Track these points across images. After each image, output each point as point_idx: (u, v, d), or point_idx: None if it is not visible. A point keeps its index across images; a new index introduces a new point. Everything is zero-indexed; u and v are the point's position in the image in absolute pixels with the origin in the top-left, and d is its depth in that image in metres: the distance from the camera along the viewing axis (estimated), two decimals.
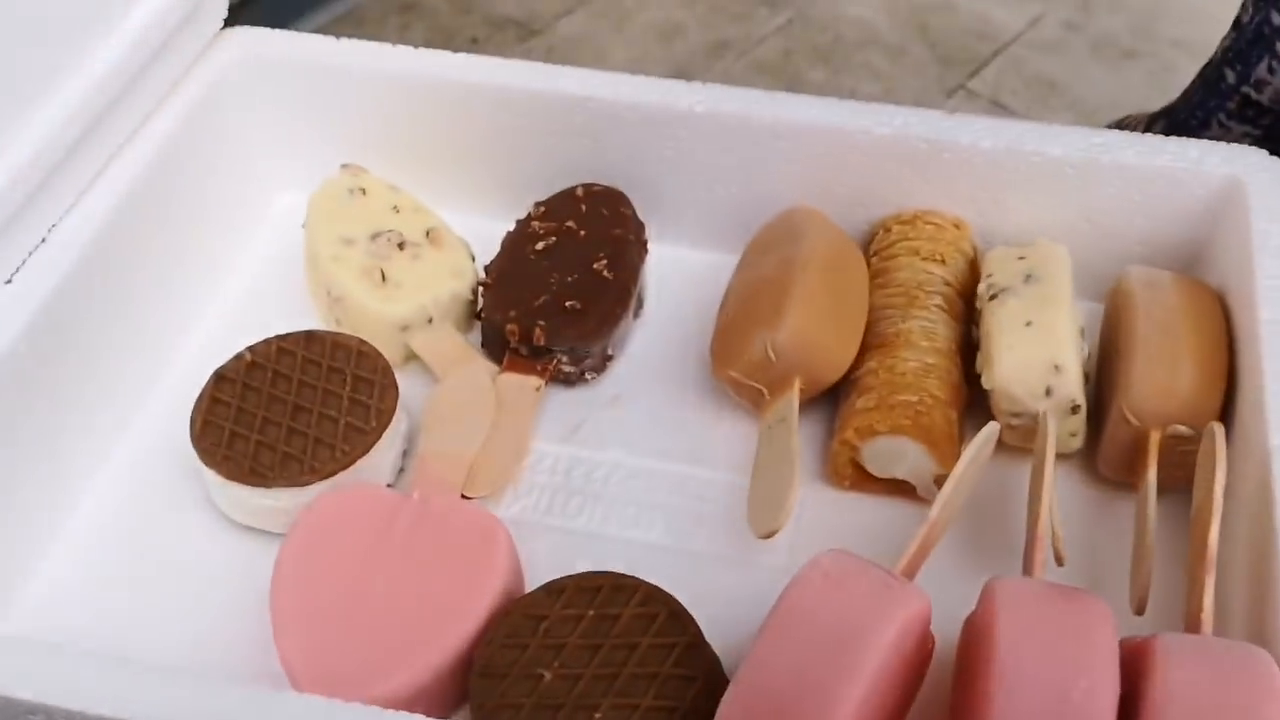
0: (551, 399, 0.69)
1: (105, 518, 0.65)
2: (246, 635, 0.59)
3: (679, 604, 0.55)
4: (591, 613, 0.55)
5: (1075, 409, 0.60)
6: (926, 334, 0.64)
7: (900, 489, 0.64)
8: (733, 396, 0.67)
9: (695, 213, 0.75)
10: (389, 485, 0.64)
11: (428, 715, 0.47)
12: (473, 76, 0.73)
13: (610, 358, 0.70)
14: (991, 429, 0.57)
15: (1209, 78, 0.92)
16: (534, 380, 0.67)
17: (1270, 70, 0.86)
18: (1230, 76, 0.89)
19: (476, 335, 0.71)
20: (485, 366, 0.68)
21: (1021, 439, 0.62)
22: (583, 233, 0.70)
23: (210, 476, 0.61)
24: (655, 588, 0.56)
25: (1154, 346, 0.59)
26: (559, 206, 0.72)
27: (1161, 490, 0.58)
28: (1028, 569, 0.54)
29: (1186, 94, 0.95)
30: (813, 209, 0.70)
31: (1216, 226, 0.66)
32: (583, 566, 0.57)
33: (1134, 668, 0.47)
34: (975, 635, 0.50)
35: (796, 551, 0.62)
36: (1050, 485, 0.55)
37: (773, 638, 0.49)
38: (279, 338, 0.65)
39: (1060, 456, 0.62)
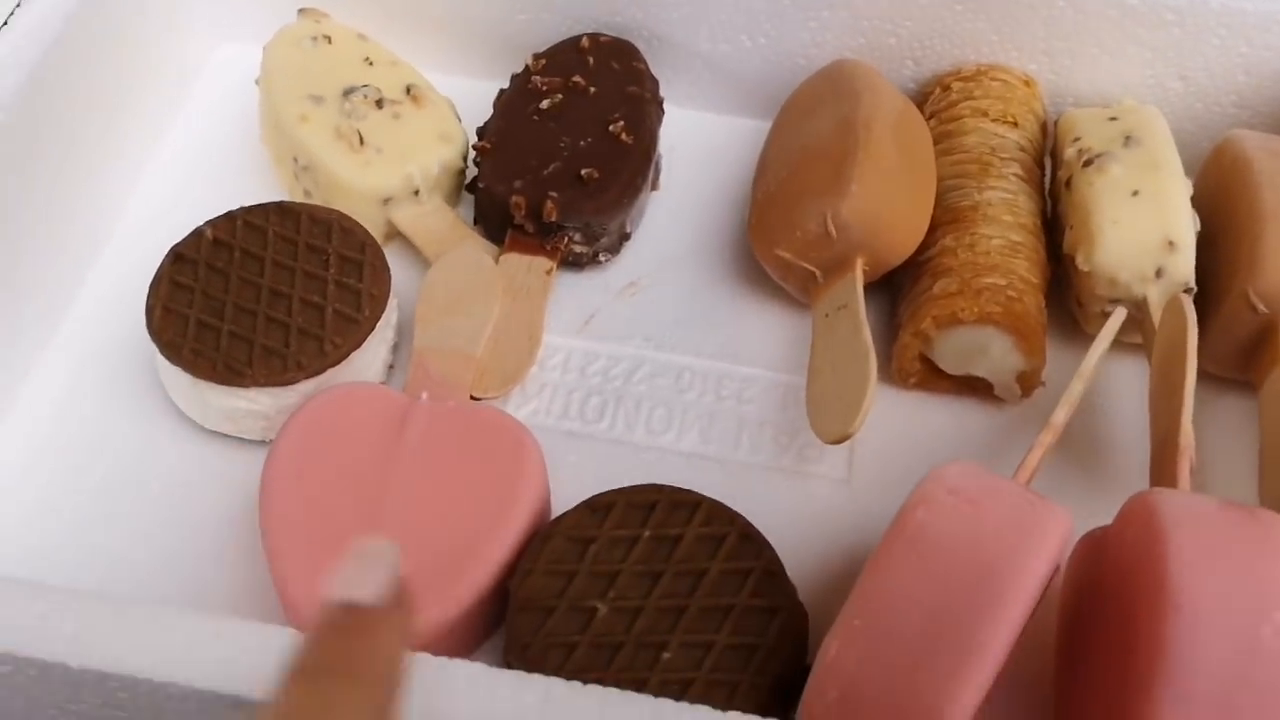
0: (557, 285, 0.59)
1: (44, 426, 0.54)
2: (227, 562, 0.50)
3: (748, 523, 0.47)
4: (647, 534, 0.46)
5: (1188, 292, 0.52)
6: (1008, 206, 0.55)
7: (970, 386, 0.55)
8: (774, 280, 0.57)
9: (716, 70, 0.65)
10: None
11: (453, 653, 0.39)
12: None
13: (628, 236, 0.60)
14: (1121, 313, 0.48)
15: None
16: (543, 261, 0.57)
17: None
18: None
19: (467, 209, 0.61)
20: (483, 246, 0.58)
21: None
22: (593, 90, 0.60)
23: (173, 375, 0.51)
24: (718, 504, 0.47)
25: None
26: (562, 60, 0.62)
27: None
28: (1165, 480, 0.46)
29: None
30: (861, 62, 0.60)
31: None
32: (611, 477, 0.49)
33: None
34: (1123, 559, 0.42)
35: (858, 460, 0.54)
36: (1192, 381, 0.47)
37: (897, 566, 0.40)
38: (243, 210, 0.54)
39: (1135, 347, 0.54)
